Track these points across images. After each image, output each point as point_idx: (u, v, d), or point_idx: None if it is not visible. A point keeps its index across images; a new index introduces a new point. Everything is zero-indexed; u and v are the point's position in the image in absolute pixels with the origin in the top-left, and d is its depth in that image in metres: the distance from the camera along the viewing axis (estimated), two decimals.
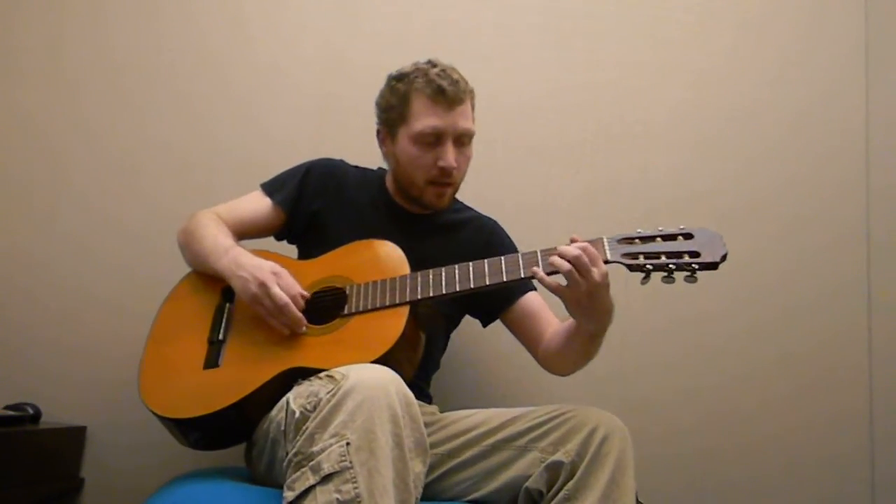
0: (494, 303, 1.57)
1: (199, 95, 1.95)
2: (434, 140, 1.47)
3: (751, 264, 1.90)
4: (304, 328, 1.35)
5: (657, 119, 1.98)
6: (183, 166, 1.91)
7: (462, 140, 1.50)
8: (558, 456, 1.24)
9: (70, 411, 1.78)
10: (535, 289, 1.58)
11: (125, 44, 1.96)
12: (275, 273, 1.36)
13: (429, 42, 1.96)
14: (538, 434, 1.28)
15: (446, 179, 1.49)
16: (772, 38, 2.02)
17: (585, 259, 1.24)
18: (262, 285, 1.34)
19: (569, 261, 1.24)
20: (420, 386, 1.53)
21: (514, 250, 1.60)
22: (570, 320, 1.39)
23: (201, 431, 1.35)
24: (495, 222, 1.67)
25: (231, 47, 1.97)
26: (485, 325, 1.64)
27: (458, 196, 1.68)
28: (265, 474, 1.32)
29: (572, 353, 1.44)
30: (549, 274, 1.28)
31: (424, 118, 1.47)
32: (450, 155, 1.47)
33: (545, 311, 1.55)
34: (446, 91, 1.47)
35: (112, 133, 1.93)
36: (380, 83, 1.69)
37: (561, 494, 1.22)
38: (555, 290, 1.27)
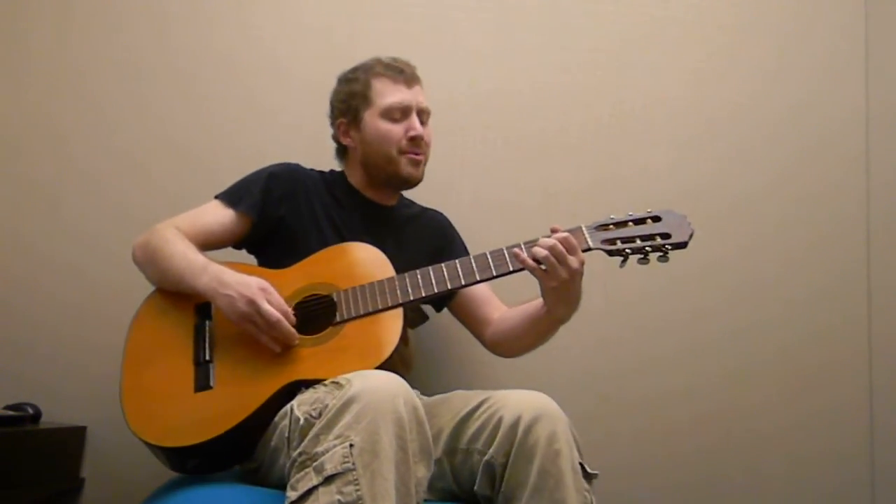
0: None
1: (203, 91, 1.94)
2: (401, 114, 1.55)
3: (750, 259, 1.91)
4: (296, 342, 1.32)
5: (656, 115, 1.98)
6: (188, 160, 1.91)
7: (423, 118, 1.58)
8: (488, 456, 1.23)
9: (70, 411, 1.77)
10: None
11: (131, 38, 1.95)
12: (262, 289, 1.31)
13: (429, 41, 1.96)
14: (472, 433, 1.27)
15: (417, 149, 1.55)
16: (771, 32, 2.02)
17: (561, 248, 1.30)
18: (252, 303, 1.30)
19: (547, 249, 1.30)
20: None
21: (462, 241, 1.68)
22: (530, 304, 1.45)
23: (201, 457, 1.30)
24: (444, 215, 1.72)
25: (236, 42, 1.96)
26: (438, 310, 1.68)
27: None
28: (261, 481, 1.31)
29: (531, 336, 1.49)
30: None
31: (390, 95, 1.55)
32: (418, 126, 1.55)
33: (491, 296, 1.60)
34: (405, 71, 1.58)
35: (117, 126, 1.92)
36: None
37: (500, 498, 1.21)
38: (535, 273, 1.33)
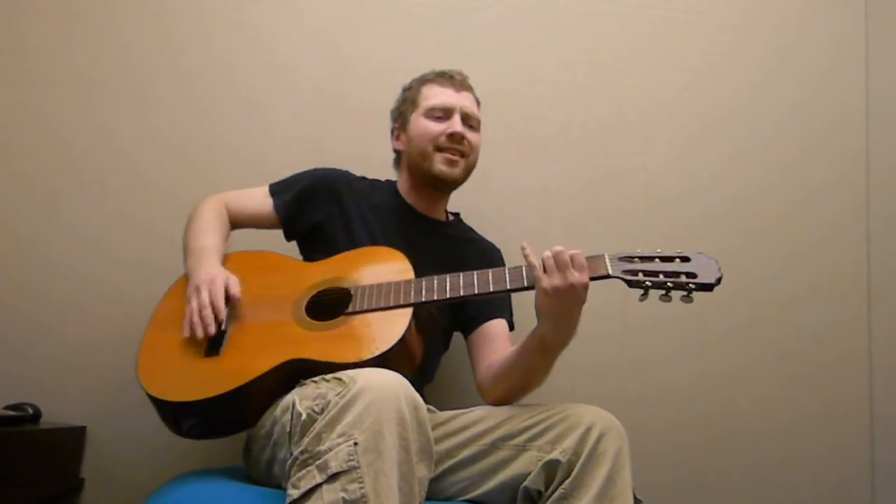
0: (470, 318, 1.60)
1: (202, 92, 1.94)
2: (443, 114, 1.58)
3: (750, 257, 1.91)
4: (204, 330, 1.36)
5: (656, 115, 1.98)
6: (186, 162, 1.91)
7: (470, 122, 1.60)
8: (555, 455, 1.25)
9: (70, 411, 1.77)
10: (505, 318, 1.61)
11: (130, 40, 1.96)
12: (211, 280, 1.40)
13: (430, 41, 1.97)
14: (535, 433, 1.30)
15: (456, 146, 1.57)
16: (771, 32, 2.03)
17: (566, 257, 1.27)
18: (196, 289, 1.40)
19: (552, 253, 1.28)
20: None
21: None
22: (523, 340, 1.42)
23: (197, 418, 1.35)
24: (499, 249, 1.71)
25: (235, 43, 1.97)
26: (466, 338, 1.65)
27: (464, 210, 1.72)
28: (264, 475, 1.32)
29: (517, 370, 1.43)
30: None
31: (433, 97, 1.60)
32: (457, 123, 1.57)
33: (504, 340, 1.57)
34: (453, 76, 1.63)
35: (116, 127, 1.92)
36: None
37: (558, 493, 1.24)
38: (533, 271, 1.30)
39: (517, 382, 1.44)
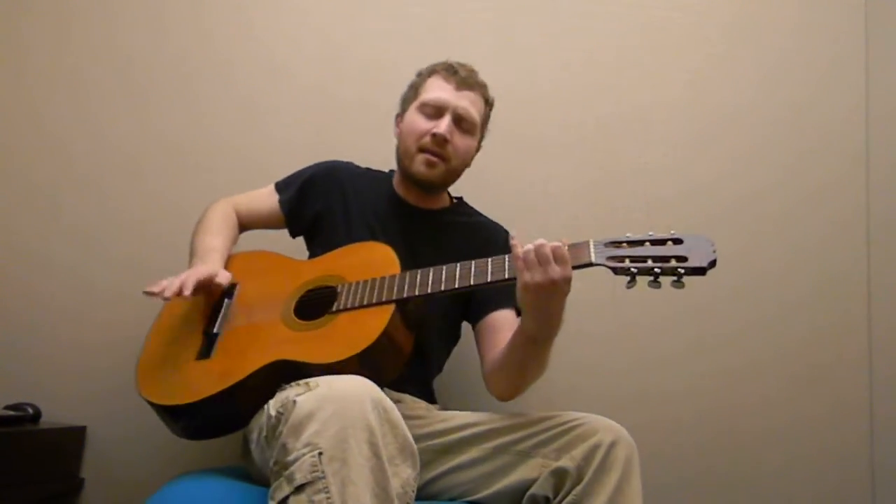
0: (477, 308, 1.56)
1: (202, 92, 1.95)
2: (434, 112, 1.52)
3: (750, 257, 1.91)
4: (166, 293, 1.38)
5: (656, 115, 1.98)
6: (186, 162, 1.91)
7: (462, 124, 1.53)
8: (563, 462, 1.25)
9: (70, 411, 1.77)
10: (513, 307, 1.54)
11: (130, 40, 1.96)
12: (194, 271, 1.42)
13: (429, 40, 1.96)
14: (542, 440, 1.29)
15: (437, 149, 1.51)
16: (771, 32, 2.02)
17: (548, 251, 1.21)
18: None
19: (534, 246, 1.22)
20: (422, 386, 1.54)
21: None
22: (511, 334, 1.39)
23: (189, 419, 1.37)
24: (501, 228, 1.66)
25: (235, 43, 1.97)
26: (473, 327, 1.61)
27: (452, 193, 1.69)
28: (261, 475, 1.31)
29: (510, 364, 1.40)
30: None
31: (432, 91, 1.54)
32: (444, 125, 1.50)
33: (510, 330, 1.48)
34: (458, 72, 1.55)
35: (116, 128, 1.92)
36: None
37: (568, 500, 1.23)
38: (515, 263, 1.24)
39: (515, 376, 1.42)
